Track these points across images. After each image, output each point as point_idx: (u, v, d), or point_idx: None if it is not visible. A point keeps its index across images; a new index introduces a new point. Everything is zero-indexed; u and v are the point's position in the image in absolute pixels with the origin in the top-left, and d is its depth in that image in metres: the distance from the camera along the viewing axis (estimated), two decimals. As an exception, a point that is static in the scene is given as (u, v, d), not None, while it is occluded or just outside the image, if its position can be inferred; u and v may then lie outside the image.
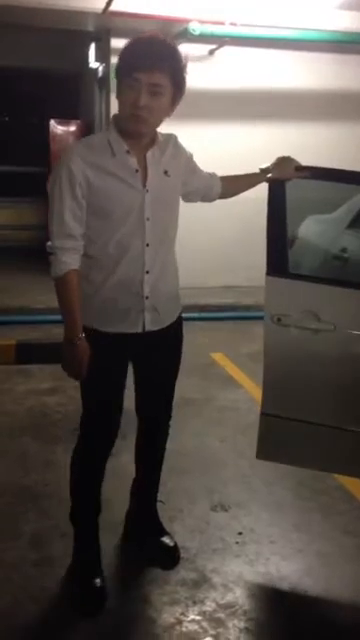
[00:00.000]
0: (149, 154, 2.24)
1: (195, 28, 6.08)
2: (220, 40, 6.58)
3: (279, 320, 2.51)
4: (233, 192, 2.63)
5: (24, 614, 2.33)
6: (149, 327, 2.33)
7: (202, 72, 6.88)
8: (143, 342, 2.36)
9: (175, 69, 2.13)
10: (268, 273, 2.52)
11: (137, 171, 2.20)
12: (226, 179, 2.59)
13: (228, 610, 2.39)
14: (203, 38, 6.33)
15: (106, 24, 6.47)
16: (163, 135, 2.31)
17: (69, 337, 2.23)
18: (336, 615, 2.43)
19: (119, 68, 2.13)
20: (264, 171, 2.55)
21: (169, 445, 3.43)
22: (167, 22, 6.25)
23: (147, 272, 2.28)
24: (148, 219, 2.24)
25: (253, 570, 2.62)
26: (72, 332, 2.22)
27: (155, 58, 2.07)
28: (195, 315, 6.36)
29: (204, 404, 4.29)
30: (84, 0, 6.03)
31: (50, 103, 9.66)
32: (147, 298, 2.30)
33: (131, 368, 2.50)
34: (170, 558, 2.64)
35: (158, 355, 2.44)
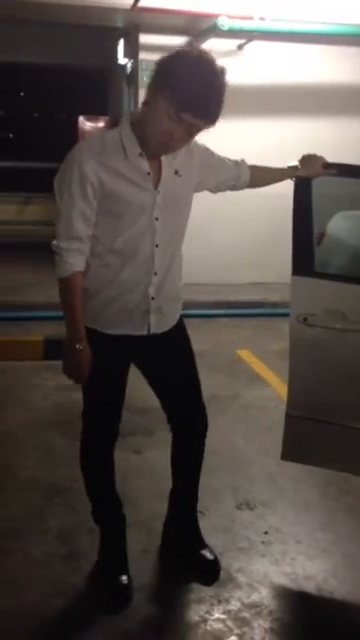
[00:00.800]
0: (163, 157, 2.18)
1: (224, 23, 6.05)
2: (249, 35, 6.54)
3: (305, 320, 2.49)
4: (261, 182, 2.55)
5: (50, 610, 2.36)
6: (154, 330, 2.31)
7: (231, 67, 6.76)
8: (147, 345, 2.32)
9: (219, 115, 2.05)
10: (294, 272, 2.50)
11: (149, 174, 2.15)
12: (255, 168, 2.51)
13: (253, 610, 2.39)
14: (232, 33, 6.30)
15: (135, 20, 6.48)
16: None
17: (71, 342, 2.20)
18: (362, 617, 2.42)
19: (172, 90, 1.97)
20: (292, 168, 2.52)
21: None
22: (195, 17, 6.24)
23: (155, 273, 2.25)
24: (157, 219, 2.19)
25: (279, 570, 2.62)
26: (75, 338, 2.19)
27: (210, 110, 2.01)
28: (222, 312, 6.36)
29: (230, 402, 4.28)
30: (113, -4, 6.05)
31: (79, 99, 9.72)
32: (153, 299, 2.27)
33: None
34: (210, 572, 2.54)
35: (165, 356, 2.41)
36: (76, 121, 8.21)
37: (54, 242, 2.16)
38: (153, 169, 2.17)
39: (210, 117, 2.03)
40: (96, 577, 2.51)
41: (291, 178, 2.54)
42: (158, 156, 2.17)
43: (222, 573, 2.56)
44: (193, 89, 1.96)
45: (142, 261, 2.21)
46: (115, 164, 2.12)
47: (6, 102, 13.43)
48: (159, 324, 2.32)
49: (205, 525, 2.85)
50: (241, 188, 2.53)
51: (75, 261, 2.15)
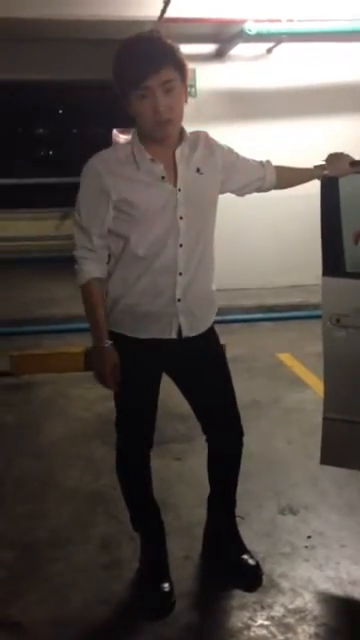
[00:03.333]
0: (177, 152, 2.19)
1: (251, 28, 6.05)
2: (277, 38, 6.52)
3: (338, 321, 2.46)
4: (288, 183, 2.52)
5: (93, 618, 2.38)
6: (186, 333, 2.29)
7: (261, 71, 6.85)
8: (178, 350, 2.30)
9: (173, 57, 2.07)
10: (324, 273, 2.48)
11: (163, 178, 2.17)
12: (281, 169, 2.48)
13: (297, 615, 2.35)
14: (260, 37, 6.29)
15: (163, 30, 6.52)
16: (192, 133, 2.27)
17: (95, 344, 2.24)
18: None
19: (121, 84, 2.09)
20: (319, 168, 2.50)
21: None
22: (222, 24, 6.27)
23: (180, 274, 2.22)
24: (182, 218, 2.19)
25: (323, 575, 2.58)
26: (97, 339, 2.23)
27: (154, 58, 2.03)
28: (261, 316, 6.33)
29: (271, 405, 4.25)
30: (139, 9, 6.11)
31: (115, 113, 9.84)
32: (179, 301, 2.24)
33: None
34: (253, 578, 2.50)
35: (197, 362, 2.38)
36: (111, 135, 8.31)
37: (73, 252, 2.23)
38: (168, 170, 2.18)
39: (163, 61, 2.03)
40: (138, 585, 2.53)
41: (318, 178, 2.52)
42: (171, 149, 2.18)
43: (265, 579, 2.54)
44: (131, 56, 2.06)
45: (165, 262, 2.20)
46: (130, 173, 2.16)
47: (47, 120, 13.73)
48: (191, 327, 2.30)
49: (247, 530, 2.83)
50: (268, 189, 2.51)
51: (91, 268, 2.21)
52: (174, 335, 2.28)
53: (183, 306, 2.26)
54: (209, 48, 6.70)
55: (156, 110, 2.06)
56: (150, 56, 2.03)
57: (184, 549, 2.72)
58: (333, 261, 2.48)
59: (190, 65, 6.58)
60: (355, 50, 6.85)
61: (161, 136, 2.14)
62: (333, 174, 2.47)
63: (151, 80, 2.03)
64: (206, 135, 2.32)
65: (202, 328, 2.36)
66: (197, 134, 2.30)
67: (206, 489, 2.77)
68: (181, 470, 3.42)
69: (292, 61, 6.86)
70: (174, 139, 2.19)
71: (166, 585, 2.44)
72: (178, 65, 2.08)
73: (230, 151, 2.38)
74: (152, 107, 2.06)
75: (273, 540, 2.79)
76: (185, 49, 7.35)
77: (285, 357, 5.20)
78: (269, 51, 6.79)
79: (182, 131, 2.21)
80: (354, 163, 2.47)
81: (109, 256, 2.27)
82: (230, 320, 6.11)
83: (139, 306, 2.24)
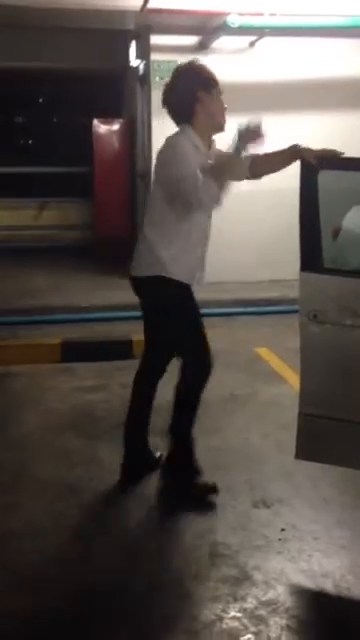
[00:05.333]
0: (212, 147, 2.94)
1: (234, 21, 6.02)
2: (260, 31, 6.51)
3: (315, 317, 2.46)
4: (264, 169, 2.94)
5: (67, 609, 2.36)
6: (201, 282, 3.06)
7: (243, 64, 6.83)
8: None
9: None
10: (302, 269, 2.49)
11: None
12: (255, 156, 2.86)
13: (269, 607, 2.36)
14: (243, 30, 6.27)
15: (145, 21, 6.48)
16: None
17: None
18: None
19: (211, 81, 2.88)
20: (292, 146, 2.72)
21: (212, 441, 3.44)
22: (205, 16, 6.23)
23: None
24: None
25: (295, 567, 2.59)
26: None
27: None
28: (240, 310, 6.33)
29: (247, 399, 4.26)
30: (122, -1, 6.07)
31: (96, 103, 9.75)
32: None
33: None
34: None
35: None
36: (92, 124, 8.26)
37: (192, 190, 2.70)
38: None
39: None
40: (112, 576, 2.52)
41: (295, 159, 2.67)
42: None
43: (238, 571, 2.55)
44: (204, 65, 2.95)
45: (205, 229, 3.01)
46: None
47: (26, 109, 13.55)
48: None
49: (221, 523, 2.84)
50: (242, 178, 2.87)
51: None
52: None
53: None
54: (192, 40, 6.66)
55: (224, 109, 2.90)
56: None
57: (158, 541, 2.72)
58: (311, 257, 2.49)
59: (172, 57, 6.60)
60: (338, 46, 6.86)
61: (215, 133, 2.92)
62: (308, 152, 2.60)
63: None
64: None
65: None
66: None
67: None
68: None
69: (275, 55, 6.85)
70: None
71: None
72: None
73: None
74: (222, 106, 2.90)
75: (247, 533, 2.80)
76: (167, 40, 7.38)
77: (263, 351, 5.21)
78: (252, 45, 6.78)
79: None
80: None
81: None
82: (209, 314, 6.10)
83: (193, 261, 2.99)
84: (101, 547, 2.69)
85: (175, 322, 3.02)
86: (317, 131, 6.43)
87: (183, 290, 2.96)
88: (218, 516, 2.90)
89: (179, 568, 2.59)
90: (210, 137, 2.94)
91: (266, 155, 2.87)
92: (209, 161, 2.84)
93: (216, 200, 2.71)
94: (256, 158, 2.89)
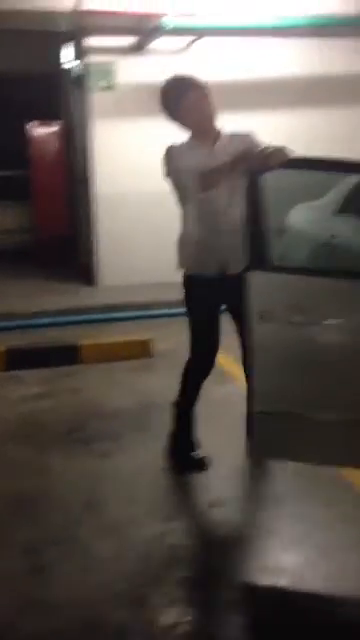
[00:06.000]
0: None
1: (168, 22, 6.01)
2: (197, 32, 6.52)
3: (263, 316, 2.46)
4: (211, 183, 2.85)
5: (19, 624, 2.28)
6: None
7: (181, 65, 6.81)
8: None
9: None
10: (249, 267, 2.48)
11: None
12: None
13: (228, 607, 2.34)
14: (179, 31, 6.27)
15: (79, 23, 6.40)
16: None
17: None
18: (337, 607, 2.39)
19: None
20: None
21: (166, 443, 3.38)
22: (141, 17, 6.20)
23: None
24: None
25: (253, 564, 2.58)
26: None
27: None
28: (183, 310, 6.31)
29: (200, 400, 4.23)
30: (53, 0, 5.98)
31: (32, 106, 9.60)
32: None
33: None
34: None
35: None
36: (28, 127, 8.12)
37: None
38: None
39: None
40: (64, 589, 2.45)
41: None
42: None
43: (195, 573, 2.52)
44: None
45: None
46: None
47: None
48: None
49: (177, 525, 2.81)
50: None
51: None
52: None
53: None
54: (128, 41, 6.62)
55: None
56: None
57: (112, 549, 2.66)
58: (259, 255, 2.48)
59: (109, 58, 6.56)
60: (273, 46, 6.93)
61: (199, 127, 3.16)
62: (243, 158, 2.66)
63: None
64: None
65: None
66: None
67: (132, 487, 2.70)
68: (109, 469, 3.35)
69: (212, 56, 6.86)
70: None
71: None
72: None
73: None
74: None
75: (203, 533, 2.78)
76: (103, 42, 7.31)
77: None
78: (189, 45, 6.78)
79: None
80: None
81: None
82: (156, 315, 6.08)
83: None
84: (52, 559, 2.61)
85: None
86: (261, 130, 6.50)
87: (192, 283, 3.10)
88: (174, 518, 2.86)
89: (135, 574, 2.53)
90: (205, 134, 3.08)
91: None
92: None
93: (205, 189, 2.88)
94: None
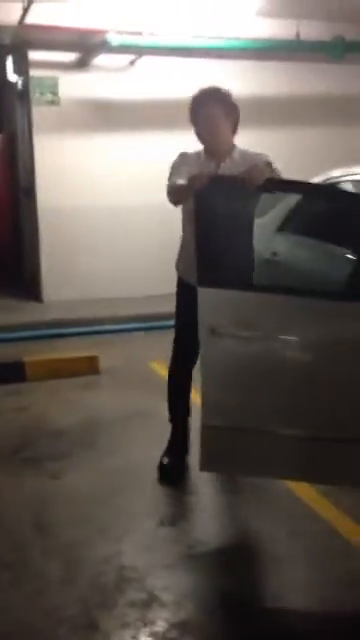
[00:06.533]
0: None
1: (113, 39, 6.04)
2: (140, 50, 6.57)
3: (214, 331, 2.48)
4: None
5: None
6: None
7: (124, 82, 6.86)
8: None
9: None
10: (199, 284, 2.50)
11: None
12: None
13: (181, 629, 2.32)
14: (122, 49, 6.31)
15: (23, 37, 6.35)
16: None
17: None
18: (289, 622, 2.40)
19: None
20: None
21: (116, 461, 3.34)
22: (84, 34, 6.21)
23: None
24: None
25: (204, 583, 2.58)
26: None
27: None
28: (133, 325, 6.30)
29: (148, 417, 4.21)
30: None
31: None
32: None
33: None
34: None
35: None
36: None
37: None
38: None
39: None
40: (10, 616, 2.39)
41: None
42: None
43: (147, 594, 2.49)
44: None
45: None
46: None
47: None
48: None
49: (127, 546, 2.78)
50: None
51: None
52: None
53: None
54: (71, 57, 6.61)
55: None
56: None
57: (62, 570, 2.61)
58: (208, 272, 2.51)
59: (52, 73, 6.52)
60: (215, 67, 7.03)
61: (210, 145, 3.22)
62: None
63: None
64: None
65: None
66: None
67: (84, 507, 2.64)
68: (58, 489, 3.30)
69: (155, 74, 6.93)
70: None
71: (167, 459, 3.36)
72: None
73: None
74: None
75: (154, 553, 2.75)
76: (46, 56, 7.26)
77: (158, 366, 5.19)
78: (132, 63, 6.82)
79: None
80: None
81: None
82: (102, 331, 6.05)
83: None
84: (1, 584, 2.54)
85: None
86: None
87: (179, 286, 3.25)
88: (123, 539, 2.83)
89: (84, 598, 2.49)
90: (213, 151, 3.14)
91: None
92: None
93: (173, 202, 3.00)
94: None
